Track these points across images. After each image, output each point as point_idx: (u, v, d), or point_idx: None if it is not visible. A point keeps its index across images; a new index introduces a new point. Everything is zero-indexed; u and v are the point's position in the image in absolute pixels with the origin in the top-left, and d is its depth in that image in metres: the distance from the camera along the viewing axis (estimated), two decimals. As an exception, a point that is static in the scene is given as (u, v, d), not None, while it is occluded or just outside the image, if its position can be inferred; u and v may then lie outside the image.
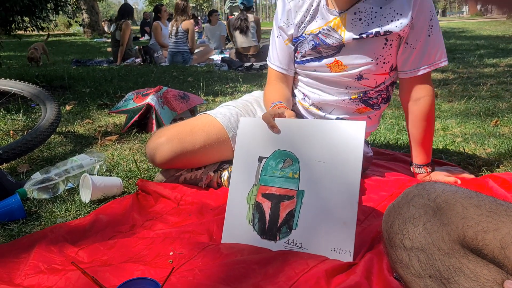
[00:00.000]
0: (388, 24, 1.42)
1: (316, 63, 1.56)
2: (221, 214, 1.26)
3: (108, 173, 1.85)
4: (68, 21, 7.12)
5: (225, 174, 1.61)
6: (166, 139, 1.55)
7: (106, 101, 3.47)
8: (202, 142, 1.56)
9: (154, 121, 2.49)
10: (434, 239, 0.77)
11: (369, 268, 1.02)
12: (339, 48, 1.49)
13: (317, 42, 1.52)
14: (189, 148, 1.55)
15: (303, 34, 1.55)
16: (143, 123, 2.57)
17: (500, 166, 1.80)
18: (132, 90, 2.99)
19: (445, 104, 3.04)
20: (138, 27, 15.94)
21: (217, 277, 1.02)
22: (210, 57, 7.02)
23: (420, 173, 1.64)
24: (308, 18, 1.53)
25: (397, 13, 1.41)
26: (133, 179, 1.77)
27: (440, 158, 1.89)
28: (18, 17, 4.37)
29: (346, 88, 1.58)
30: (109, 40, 8.09)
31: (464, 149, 2.03)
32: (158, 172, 1.70)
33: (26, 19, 4.56)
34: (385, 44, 1.46)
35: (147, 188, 1.59)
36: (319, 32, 1.51)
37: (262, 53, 6.38)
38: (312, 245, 1.12)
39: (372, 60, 1.48)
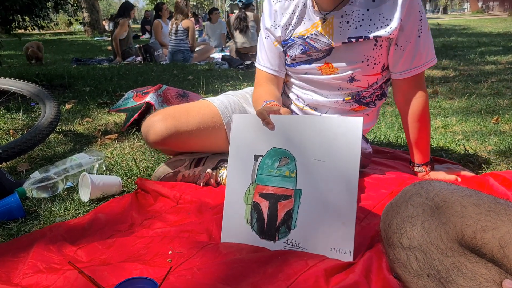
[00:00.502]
0: (378, 30, 1.41)
1: (306, 66, 1.55)
2: (220, 213, 1.25)
3: (107, 172, 1.84)
4: (68, 19, 7.11)
5: (223, 172, 1.61)
6: (161, 117, 1.55)
7: (106, 99, 3.47)
8: (197, 124, 1.56)
9: (153, 120, 2.49)
10: (432, 238, 0.77)
11: (368, 267, 1.02)
12: (329, 51, 1.49)
13: (306, 47, 1.51)
14: (183, 127, 1.54)
15: (291, 37, 1.53)
16: (142, 121, 2.56)
17: (501, 164, 1.79)
18: (132, 88, 2.99)
19: (445, 101, 3.04)
20: (138, 26, 15.93)
21: (216, 276, 1.02)
22: (210, 55, 7.01)
23: (420, 172, 1.63)
24: (294, 20, 1.51)
25: (386, 18, 1.40)
26: (133, 178, 1.77)
27: (440, 156, 1.88)
28: (18, 16, 4.36)
29: (338, 89, 1.57)
30: (110, 38, 8.08)
31: (464, 146, 2.02)
32: (157, 168, 1.70)
33: (26, 18, 4.55)
34: (375, 45, 1.44)
35: (146, 187, 1.59)
36: (307, 37, 1.49)
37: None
38: (311, 245, 1.12)
39: (362, 62, 1.47)
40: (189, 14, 6.79)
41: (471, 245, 0.72)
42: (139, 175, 1.78)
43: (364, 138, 1.71)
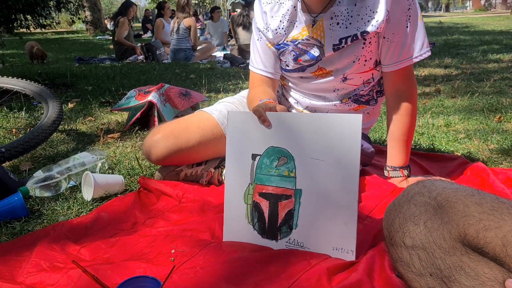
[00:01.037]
0: (365, 25, 1.37)
1: (300, 73, 1.53)
2: (222, 212, 1.25)
3: (110, 171, 1.85)
4: (71, 18, 7.13)
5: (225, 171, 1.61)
6: (161, 137, 1.55)
7: (108, 98, 3.47)
8: (197, 139, 1.56)
9: (156, 119, 2.49)
10: (435, 237, 0.77)
11: (370, 265, 1.02)
12: (319, 60, 1.47)
13: (297, 53, 1.49)
14: (184, 145, 1.55)
15: (285, 42, 1.50)
16: (145, 120, 2.57)
17: (503, 163, 1.79)
18: (134, 87, 2.99)
19: (448, 100, 3.03)
20: (139, 24, 15.94)
21: (219, 275, 1.02)
22: (212, 54, 7.01)
23: (396, 177, 1.53)
24: (285, 23, 1.48)
25: (372, 11, 1.35)
26: (135, 176, 1.77)
27: (442, 155, 1.88)
28: (21, 15, 4.37)
29: (334, 91, 1.55)
30: (111, 37, 8.10)
31: (467, 145, 2.02)
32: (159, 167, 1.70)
33: (29, 17, 4.56)
34: (364, 44, 1.41)
35: (149, 186, 1.59)
36: (299, 42, 1.47)
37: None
38: (313, 244, 1.12)
39: (354, 62, 1.44)
40: (191, 13, 6.79)
41: (473, 244, 0.73)
42: (141, 174, 1.78)
43: (366, 137, 1.70)
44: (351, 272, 1.00)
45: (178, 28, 6.50)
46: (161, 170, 1.66)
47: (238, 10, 7.08)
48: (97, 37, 14.28)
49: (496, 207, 0.73)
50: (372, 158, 1.67)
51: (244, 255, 1.10)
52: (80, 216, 1.44)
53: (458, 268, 0.74)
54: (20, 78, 2.60)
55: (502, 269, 0.70)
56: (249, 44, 5.77)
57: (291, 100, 1.67)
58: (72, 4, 5.51)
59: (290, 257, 1.08)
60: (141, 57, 6.78)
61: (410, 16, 1.36)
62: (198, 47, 6.87)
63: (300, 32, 1.46)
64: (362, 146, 1.57)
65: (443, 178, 1.57)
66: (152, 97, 2.51)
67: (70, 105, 3.22)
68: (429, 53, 1.45)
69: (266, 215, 1.16)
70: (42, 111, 2.88)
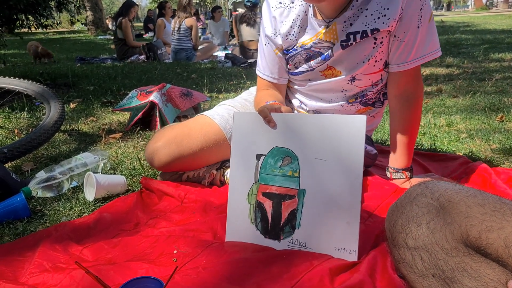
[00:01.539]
0: (375, 22, 1.33)
1: (310, 72, 1.51)
2: (224, 212, 1.25)
3: (112, 171, 1.85)
4: (70, 19, 7.15)
5: (228, 172, 1.61)
6: (163, 143, 1.55)
7: (110, 98, 3.48)
8: (199, 145, 1.55)
9: (157, 119, 2.50)
10: (437, 238, 0.77)
11: (373, 266, 1.02)
12: (329, 58, 1.45)
13: (310, 54, 1.47)
14: (186, 151, 1.54)
15: (294, 47, 1.48)
16: (146, 120, 2.57)
17: (505, 162, 1.79)
18: (136, 87, 3.00)
19: (449, 99, 3.03)
20: (141, 24, 15.95)
21: (221, 275, 1.02)
22: (213, 54, 7.01)
23: (398, 178, 1.53)
24: (296, 29, 1.45)
25: (383, 8, 1.31)
26: (137, 177, 1.77)
27: (444, 155, 1.88)
28: (22, 15, 4.37)
29: (342, 91, 1.53)
30: (113, 37, 8.10)
31: (469, 145, 2.01)
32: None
33: (30, 17, 4.57)
34: (375, 43, 1.38)
35: (151, 186, 1.59)
36: (311, 46, 1.45)
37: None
38: (316, 244, 1.12)
39: (363, 62, 1.42)
40: (192, 13, 6.79)
41: (476, 245, 0.72)
42: (143, 175, 1.78)
43: (370, 139, 1.68)
44: (353, 272, 1.00)
45: (179, 28, 6.50)
46: (163, 174, 1.67)
47: (240, 10, 7.08)
48: (99, 37, 14.30)
49: (499, 208, 0.73)
50: (375, 160, 1.66)
51: (246, 255, 1.10)
52: (83, 216, 1.44)
53: (461, 269, 0.73)
54: (22, 79, 2.60)
55: (505, 270, 0.70)
56: (252, 41, 5.72)
57: (295, 102, 1.66)
58: (73, 4, 5.51)
59: (292, 257, 1.08)
60: (142, 57, 6.79)
61: (421, 16, 1.33)
62: (199, 47, 6.88)
63: (310, 38, 1.44)
64: (365, 148, 1.57)
65: (445, 178, 1.57)
66: (154, 97, 2.52)
67: (72, 105, 3.23)
68: (439, 54, 1.41)
69: (269, 215, 1.17)
70: (44, 112, 2.88)
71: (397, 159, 1.53)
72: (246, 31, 6.50)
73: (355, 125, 1.09)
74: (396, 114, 1.50)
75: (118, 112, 2.90)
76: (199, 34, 7.39)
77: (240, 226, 1.20)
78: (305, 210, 1.13)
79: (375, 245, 1.15)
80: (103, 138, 2.34)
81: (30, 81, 2.57)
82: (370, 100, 1.57)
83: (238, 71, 5.21)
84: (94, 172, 1.66)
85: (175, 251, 1.15)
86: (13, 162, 1.93)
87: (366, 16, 1.33)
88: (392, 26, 1.33)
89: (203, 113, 1.68)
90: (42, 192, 1.60)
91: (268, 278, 1.01)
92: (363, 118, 1.09)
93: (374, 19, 1.33)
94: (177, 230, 1.28)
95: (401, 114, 1.49)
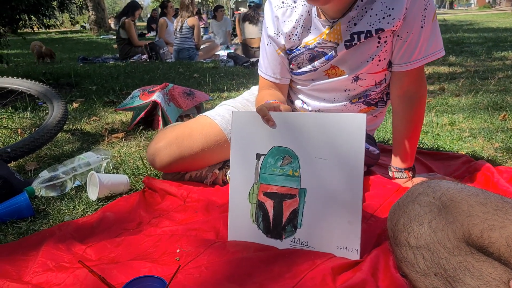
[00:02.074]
0: (380, 22, 1.31)
1: (313, 72, 1.50)
2: (227, 212, 1.25)
3: (114, 171, 1.86)
4: (71, 20, 7.16)
5: (230, 171, 1.62)
6: (164, 144, 1.55)
7: (113, 98, 3.48)
8: (200, 146, 1.56)
9: (160, 118, 2.50)
10: (439, 237, 0.77)
11: (375, 265, 1.02)
12: (332, 58, 1.44)
13: (314, 54, 1.46)
14: (187, 152, 1.55)
15: (298, 47, 1.47)
16: (149, 120, 2.58)
17: (508, 161, 1.78)
18: (138, 87, 3.01)
19: (452, 98, 3.02)
20: (144, 24, 15.97)
21: (223, 274, 1.02)
22: (216, 53, 7.02)
23: (401, 177, 1.53)
24: (299, 29, 1.44)
25: (388, 8, 1.30)
26: (140, 176, 1.78)
27: (446, 153, 1.88)
28: (25, 15, 4.39)
29: (345, 91, 1.52)
30: (115, 37, 8.11)
31: (471, 144, 2.01)
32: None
33: (32, 17, 4.58)
34: (379, 43, 1.37)
35: (154, 186, 1.60)
36: (315, 46, 1.44)
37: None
38: (318, 243, 1.12)
39: (367, 62, 1.41)
40: (194, 12, 6.79)
41: (478, 244, 0.73)
42: (146, 174, 1.79)
43: (372, 139, 1.68)
44: (355, 271, 1.01)
45: (181, 27, 6.51)
46: (165, 175, 1.67)
47: (242, 9, 7.08)
48: (101, 37, 14.31)
49: (501, 207, 0.73)
50: (378, 159, 1.66)
51: (248, 255, 1.11)
52: (86, 216, 1.45)
53: (463, 268, 0.74)
54: (25, 78, 2.61)
55: (507, 269, 0.70)
56: (255, 38, 5.70)
57: (298, 102, 1.65)
58: (75, 4, 5.52)
59: (294, 256, 1.08)
60: (144, 56, 6.80)
61: (425, 16, 1.32)
62: (202, 46, 6.88)
63: (314, 38, 1.43)
64: (368, 148, 1.57)
65: (447, 177, 1.57)
66: (156, 96, 2.52)
67: (75, 105, 3.24)
68: (442, 54, 1.40)
69: (270, 214, 1.17)
70: (47, 111, 2.89)
71: (399, 159, 1.53)
72: (249, 29, 6.49)
73: (355, 123, 1.08)
74: (399, 114, 1.50)
75: (120, 111, 2.90)
76: (201, 34, 7.39)
77: (242, 226, 1.20)
78: (307, 209, 1.13)
79: (377, 244, 1.15)
80: (106, 138, 2.35)
81: (33, 81, 2.58)
82: (374, 100, 1.56)
83: (240, 70, 5.21)
84: (97, 172, 1.66)
85: (177, 250, 1.15)
86: (16, 162, 1.94)
87: (370, 16, 1.32)
88: (396, 26, 1.32)
89: (204, 113, 1.68)
90: (45, 191, 1.61)
91: (271, 277, 1.01)
92: (363, 116, 1.07)
93: (379, 19, 1.32)
94: (179, 229, 1.29)
95: (404, 114, 1.49)
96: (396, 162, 1.54)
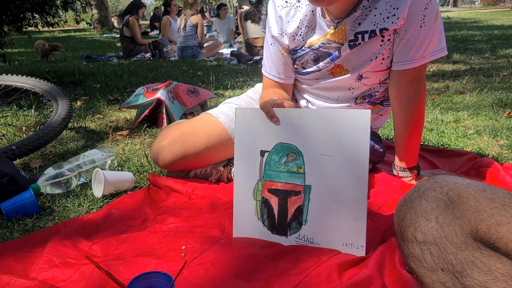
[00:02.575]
0: (384, 21, 1.30)
1: (317, 72, 1.49)
2: (232, 209, 1.25)
3: (119, 168, 1.86)
4: (75, 18, 7.18)
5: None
6: (168, 142, 1.56)
7: (117, 96, 3.49)
8: (204, 144, 1.55)
9: (164, 116, 2.50)
10: (446, 232, 0.77)
11: (381, 261, 1.02)
12: (335, 57, 1.43)
13: (318, 54, 1.45)
14: (191, 150, 1.55)
15: (302, 48, 1.46)
16: (153, 117, 2.58)
17: (513, 158, 1.78)
18: (142, 85, 3.01)
19: (457, 95, 3.01)
20: (147, 22, 15.98)
21: (229, 271, 1.02)
22: (219, 51, 7.02)
23: (405, 177, 1.53)
24: (303, 29, 1.42)
25: (393, 8, 1.28)
26: (144, 173, 1.78)
27: (451, 150, 1.87)
28: (29, 14, 4.40)
29: (349, 89, 1.51)
30: (119, 35, 8.13)
31: (476, 141, 2.00)
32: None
33: (36, 15, 4.59)
34: (382, 41, 1.35)
35: (158, 183, 1.60)
36: (320, 46, 1.43)
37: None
38: (323, 240, 1.12)
39: (371, 60, 1.39)
40: (198, 10, 6.79)
41: (485, 239, 0.72)
42: (151, 171, 1.79)
43: (378, 136, 1.67)
44: (361, 267, 1.01)
45: (185, 26, 6.51)
46: (169, 173, 1.67)
47: (245, 7, 7.08)
48: (104, 35, 14.34)
49: (508, 202, 0.73)
50: (383, 157, 1.65)
51: (254, 251, 1.11)
52: (91, 212, 1.45)
53: (470, 263, 0.73)
54: (29, 76, 2.62)
55: (514, 264, 0.70)
56: (258, 38, 5.70)
57: (302, 102, 1.64)
58: (79, 2, 5.54)
59: (300, 253, 1.08)
60: (148, 54, 6.81)
61: (425, 15, 1.29)
62: (205, 44, 6.88)
63: (319, 38, 1.42)
64: (373, 146, 1.56)
65: (453, 174, 1.56)
66: (160, 94, 2.52)
67: (79, 103, 3.24)
68: (443, 54, 1.37)
69: (275, 211, 1.17)
70: (51, 109, 2.90)
71: (402, 159, 1.53)
72: (252, 28, 6.49)
73: (360, 119, 1.07)
74: (398, 116, 1.49)
75: (125, 109, 2.91)
76: (205, 32, 7.39)
77: (247, 223, 1.20)
78: (311, 206, 1.13)
79: (383, 240, 1.15)
80: (110, 135, 2.35)
81: (38, 79, 2.58)
82: (378, 99, 1.56)
83: (244, 68, 5.21)
84: (101, 169, 1.67)
85: (183, 247, 1.15)
86: (21, 159, 1.94)
87: (375, 15, 1.31)
88: (399, 25, 1.30)
89: (208, 111, 1.68)
90: (50, 188, 1.61)
91: (276, 273, 1.01)
92: (367, 112, 1.07)
93: (383, 19, 1.30)
94: (185, 226, 1.29)
95: (402, 116, 1.47)
96: (399, 162, 1.54)
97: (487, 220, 0.72)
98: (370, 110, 1.07)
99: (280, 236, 1.16)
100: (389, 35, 1.35)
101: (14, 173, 1.58)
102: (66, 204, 1.52)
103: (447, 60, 4.80)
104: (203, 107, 2.75)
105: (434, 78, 3.77)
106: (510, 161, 1.75)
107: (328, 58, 1.44)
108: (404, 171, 1.53)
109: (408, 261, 0.84)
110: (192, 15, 6.55)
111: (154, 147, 1.59)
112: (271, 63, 1.56)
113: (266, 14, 6.66)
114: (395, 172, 1.56)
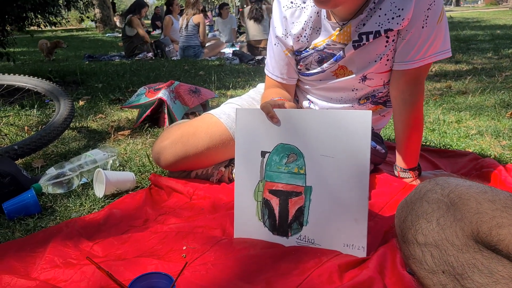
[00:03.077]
0: (389, 22, 1.29)
1: (321, 73, 1.49)
2: (233, 209, 1.25)
3: (121, 168, 1.86)
4: (80, 16, 7.18)
5: (236, 169, 1.62)
6: (169, 143, 1.56)
7: (119, 96, 3.49)
8: (205, 145, 1.55)
9: (166, 116, 2.50)
10: (447, 234, 0.76)
11: (382, 262, 1.02)
12: (341, 59, 1.42)
13: (323, 56, 1.44)
14: (192, 151, 1.55)
15: (306, 49, 1.46)
16: (155, 117, 2.58)
17: (515, 159, 1.77)
18: (144, 84, 3.01)
19: (459, 96, 3.01)
20: (149, 21, 15.99)
21: (230, 271, 1.03)
22: (221, 51, 7.01)
23: (406, 177, 1.53)
24: (308, 31, 1.42)
25: (398, 8, 1.27)
26: (146, 173, 1.78)
27: (453, 151, 1.87)
28: (31, 13, 4.40)
29: (352, 90, 1.50)
30: (121, 35, 8.13)
31: (478, 141, 2.00)
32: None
33: (39, 15, 4.60)
34: (387, 42, 1.35)
35: (160, 183, 1.60)
36: (324, 48, 1.42)
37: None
38: (324, 241, 1.12)
39: (375, 61, 1.39)
40: (200, 10, 6.80)
41: (486, 241, 0.72)
42: (152, 171, 1.79)
43: (379, 137, 1.67)
44: (362, 269, 1.00)
45: (187, 25, 6.51)
46: (170, 173, 1.68)
47: (246, 7, 7.07)
48: (107, 35, 14.34)
49: (510, 205, 0.72)
50: (385, 158, 1.65)
51: (255, 252, 1.11)
52: (93, 212, 1.45)
53: (471, 266, 0.73)
54: (31, 76, 2.63)
55: (516, 267, 0.70)
56: (259, 40, 5.69)
57: (305, 102, 1.64)
58: (82, 2, 5.55)
59: (301, 253, 1.08)
60: (150, 54, 6.81)
61: (428, 16, 1.27)
62: (207, 44, 6.88)
63: (323, 39, 1.41)
64: (375, 147, 1.56)
65: (454, 175, 1.56)
66: (162, 94, 2.52)
67: (81, 103, 3.25)
68: (447, 55, 1.36)
69: (276, 212, 1.17)
70: (53, 109, 2.90)
71: (402, 160, 1.52)
72: (253, 29, 6.49)
73: (361, 120, 1.06)
74: (397, 116, 1.48)
75: (126, 109, 2.91)
76: (207, 31, 7.39)
77: (248, 223, 1.20)
78: (312, 207, 1.13)
79: (384, 241, 1.15)
80: (112, 135, 2.36)
81: (40, 78, 2.59)
82: (381, 98, 1.55)
83: (246, 68, 5.21)
84: (103, 169, 1.67)
85: (184, 247, 1.16)
86: (23, 159, 1.95)
87: (379, 16, 1.30)
88: (403, 25, 1.29)
89: (209, 111, 1.68)
90: (52, 188, 1.61)
91: (277, 274, 1.01)
92: (368, 113, 1.06)
93: (388, 19, 1.29)
94: (186, 226, 1.29)
95: (400, 116, 1.47)
96: (399, 162, 1.54)
97: (488, 222, 0.72)
98: (371, 111, 1.07)
99: (281, 237, 1.16)
100: (393, 35, 1.34)
101: (16, 173, 1.58)
102: (68, 204, 1.52)
103: (450, 60, 4.79)
104: (205, 107, 2.75)
105: (436, 78, 3.76)
106: (512, 161, 1.75)
107: (331, 59, 1.43)
108: (405, 171, 1.53)
109: (409, 263, 0.84)
110: (194, 14, 6.55)
111: (156, 148, 1.59)
112: (274, 63, 1.55)
113: (266, 11, 6.63)
114: (396, 173, 1.56)
